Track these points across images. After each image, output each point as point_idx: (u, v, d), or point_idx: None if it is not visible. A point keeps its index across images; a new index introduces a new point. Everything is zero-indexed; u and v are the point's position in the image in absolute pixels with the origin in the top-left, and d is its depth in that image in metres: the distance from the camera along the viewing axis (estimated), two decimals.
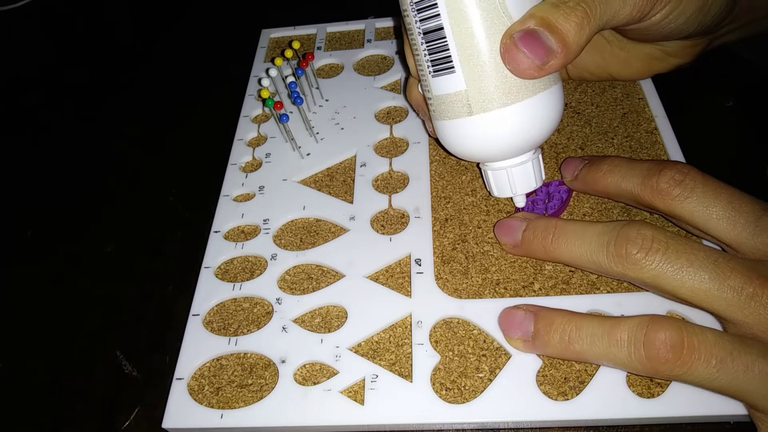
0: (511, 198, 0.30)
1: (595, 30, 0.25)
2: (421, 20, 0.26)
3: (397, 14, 0.43)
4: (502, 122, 0.26)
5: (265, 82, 0.34)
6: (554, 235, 0.27)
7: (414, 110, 0.33)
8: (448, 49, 0.26)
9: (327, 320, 0.29)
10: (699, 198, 0.24)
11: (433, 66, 0.26)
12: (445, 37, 0.25)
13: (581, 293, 0.28)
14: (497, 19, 0.24)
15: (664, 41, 0.31)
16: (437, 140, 0.30)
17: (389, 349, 0.27)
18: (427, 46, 0.26)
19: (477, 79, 0.25)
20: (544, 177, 0.29)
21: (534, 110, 0.26)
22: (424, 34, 0.26)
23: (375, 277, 0.30)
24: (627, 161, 0.28)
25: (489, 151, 0.27)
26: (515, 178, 0.28)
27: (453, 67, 0.26)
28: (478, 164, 0.31)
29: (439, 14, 0.25)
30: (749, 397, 0.22)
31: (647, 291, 0.27)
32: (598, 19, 0.24)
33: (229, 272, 0.32)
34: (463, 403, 0.25)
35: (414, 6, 0.26)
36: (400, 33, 0.43)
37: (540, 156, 0.29)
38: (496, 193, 0.30)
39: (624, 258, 0.24)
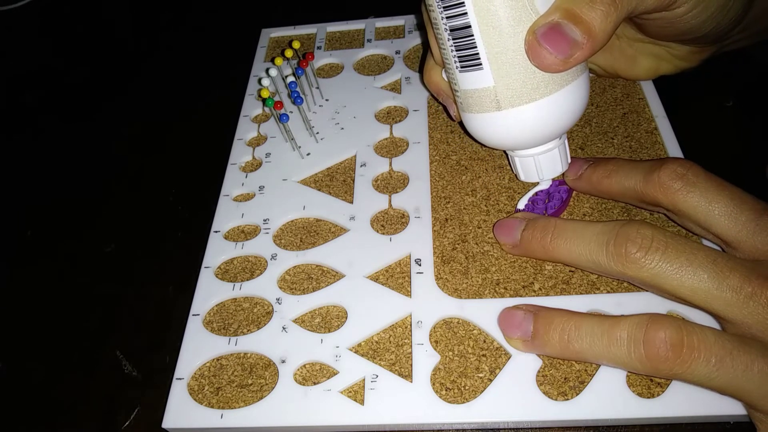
0: (534, 183, 0.31)
1: (622, 17, 0.24)
2: (447, 17, 0.26)
3: (397, 14, 0.44)
4: (530, 116, 0.26)
5: (265, 82, 0.34)
6: (553, 234, 0.27)
7: (432, 94, 0.33)
8: (475, 47, 0.25)
9: (327, 320, 0.29)
10: (701, 192, 0.25)
11: (460, 62, 0.26)
12: (472, 35, 0.25)
13: (581, 293, 0.28)
14: (525, 16, 0.24)
15: (678, 40, 0.31)
16: (460, 124, 0.30)
17: (389, 349, 0.27)
18: (454, 43, 0.26)
19: (505, 76, 0.26)
20: (569, 160, 0.30)
21: (562, 102, 0.26)
22: (451, 30, 0.26)
23: (375, 277, 0.30)
24: (631, 162, 0.28)
25: (517, 142, 0.28)
26: (542, 164, 0.29)
27: (480, 64, 0.26)
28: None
29: (466, 12, 0.25)
30: (748, 396, 0.22)
31: (647, 291, 0.27)
32: (626, 4, 0.24)
33: (229, 272, 0.32)
34: (463, 403, 0.25)
35: (440, 3, 0.26)
36: (400, 33, 0.43)
37: (566, 141, 0.29)
38: (523, 178, 0.30)
39: (623, 257, 0.24)
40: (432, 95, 0.34)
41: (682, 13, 0.27)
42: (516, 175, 0.31)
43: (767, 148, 0.34)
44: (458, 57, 0.26)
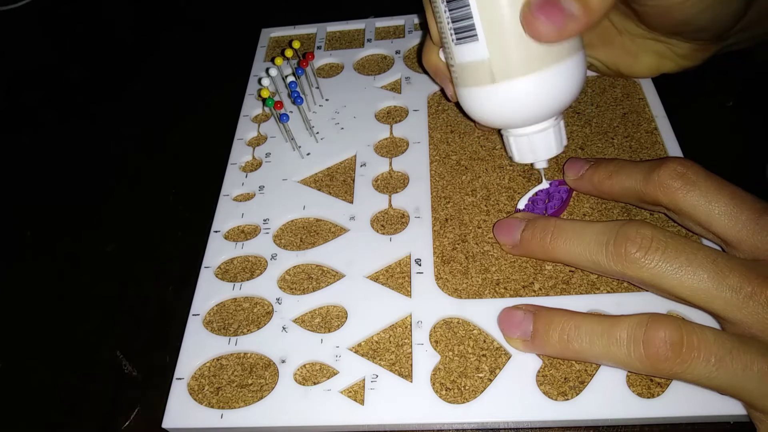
0: (532, 164, 0.30)
1: None
2: None
3: (397, 14, 0.44)
4: (524, 90, 0.26)
5: (265, 82, 0.34)
6: (553, 234, 0.27)
7: (430, 76, 0.33)
8: (471, 18, 0.26)
9: (327, 320, 0.29)
10: (702, 192, 0.25)
11: (456, 34, 0.27)
12: (468, 5, 0.25)
13: (581, 293, 0.28)
14: None
15: (678, 33, 0.31)
16: (457, 105, 0.30)
17: (389, 349, 0.27)
18: (450, 14, 0.26)
19: (500, 48, 0.26)
20: (565, 143, 0.29)
21: (557, 78, 0.26)
22: (448, 2, 0.26)
23: (375, 277, 0.30)
24: (632, 162, 0.28)
25: (511, 118, 0.28)
26: (537, 144, 0.29)
27: (476, 35, 0.26)
28: (499, 130, 0.31)
29: None
30: (748, 396, 0.22)
31: (647, 291, 0.27)
32: None
33: (229, 272, 0.32)
34: (463, 403, 0.25)
35: None
36: (400, 33, 0.43)
37: (562, 122, 0.29)
38: (517, 159, 0.30)
39: (623, 257, 0.24)
40: (429, 76, 0.35)
41: (680, 1, 0.27)
42: (510, 157, 0.30)
43: (767, 148, 0.34)
44: (454, 29, 0.26)
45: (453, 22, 0.26)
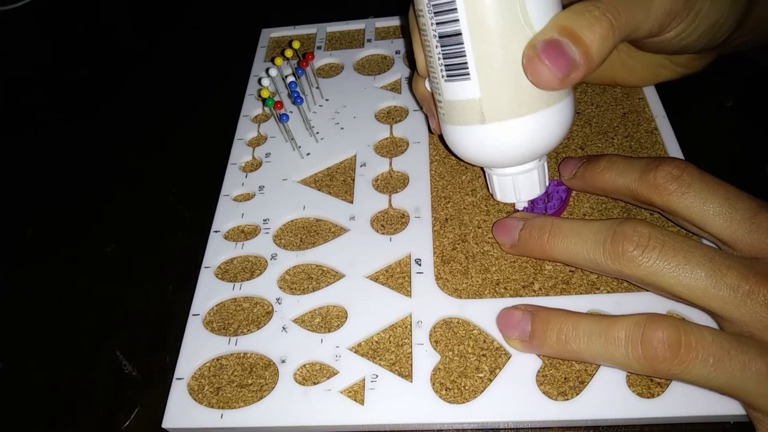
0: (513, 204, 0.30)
1: (618, 42, 0.24)
2: (438, 23, 0.25)
3: (397, 13, 0.44)
4: (514, 133, 0.25)
5: (265, 82, 0.34)
6: (550, 233, 0.27)
7: (418, 104, 0.33)
8: (464, 56, 0.25)
9: (327, 320, 0.29)
10: (696, 193, 0.25)
11: (447, 71, 0.26)
12: (462, 44, 0.24)
13: (581, 293, 0.28)
14: (518, 29, 0.24)
15: (674, 55, 0.31)
16: (440, 137, 0.30)
17: (389, 349, 0.27)
18: (443, 51, 0.25)
19: (492, 89, 0.25)
20: (547, 183, 0.29)
21: (547, 122, 0.25)
22: (440, 38, 0.25)
23: (375, 277, 0.30)
24: (624, 158, 0.28)
25: (497, 159, 0.27)
26: (520, 185, 0.28)
27: (468, 74, 0.25)
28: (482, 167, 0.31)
29: (458, 19, 0.24)
30: (746, 396, 0.22)
31: (646, 290, 0.27)
32: (623, 30, 0.24)
33: (229, 272, 0.32)
34: (463, 403, 0.25)
35: (431, 8, 0.25)
36: (401, 33, 0.43)
37: (545, 163, 0.28)
38: (499, 197, 0.29)
39: (620, 255, 0.24)
40: (417, 104, 0.34)
41: (672, 37, 0.27)
42: (492, 194, 0.30)
43: (767, 148, 0.34)
44: (445, 66, 0.25)
45: (444, 58, 0.25)
